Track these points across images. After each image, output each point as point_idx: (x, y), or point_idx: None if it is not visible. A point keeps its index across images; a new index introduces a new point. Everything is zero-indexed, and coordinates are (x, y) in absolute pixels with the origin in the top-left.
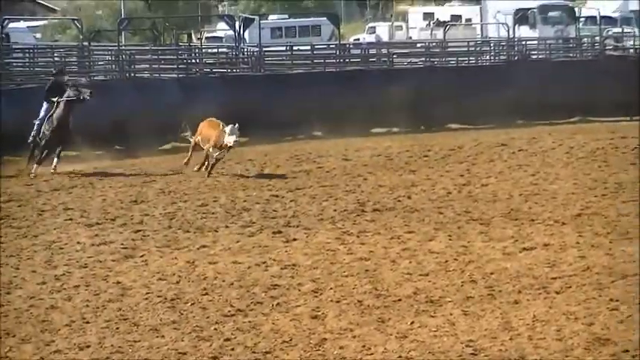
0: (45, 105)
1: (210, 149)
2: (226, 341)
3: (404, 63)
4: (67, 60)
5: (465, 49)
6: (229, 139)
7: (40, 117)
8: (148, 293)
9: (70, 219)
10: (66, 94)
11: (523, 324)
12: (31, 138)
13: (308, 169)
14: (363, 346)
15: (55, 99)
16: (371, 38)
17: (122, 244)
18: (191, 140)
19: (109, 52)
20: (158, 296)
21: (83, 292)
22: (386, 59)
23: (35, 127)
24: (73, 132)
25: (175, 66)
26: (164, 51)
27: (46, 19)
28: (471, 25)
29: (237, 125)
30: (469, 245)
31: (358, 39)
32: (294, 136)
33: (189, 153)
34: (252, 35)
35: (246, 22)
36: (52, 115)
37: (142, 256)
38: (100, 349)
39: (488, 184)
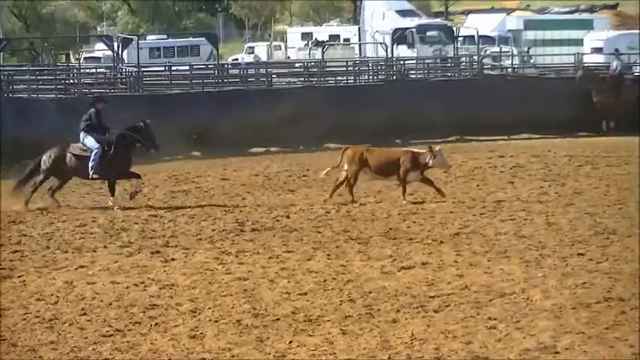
0: (90, 137)
1: None
2: None
3: (283, 83)
4: None
5: (344, 68)
6: None
7: (96, 149)
8: (26, 314)
9: None
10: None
11: (401, 343)
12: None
13: (187, 188)
14: None
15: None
16: (249, 58)
17: (0, 265)
18: None
19: None
20: (36, 317)
21: None
22: (265, 79)
23: (94, 161)
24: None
25: (54, 86)
26: (42, 71)
27: None
28: (350, 45)
29: None
30: (347, 264)
31: (237, 59)
32: (172, 156)
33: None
34: (131, 55)
35: (125, 43)
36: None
37: (20, 277)
38: None
39: (367, 204)
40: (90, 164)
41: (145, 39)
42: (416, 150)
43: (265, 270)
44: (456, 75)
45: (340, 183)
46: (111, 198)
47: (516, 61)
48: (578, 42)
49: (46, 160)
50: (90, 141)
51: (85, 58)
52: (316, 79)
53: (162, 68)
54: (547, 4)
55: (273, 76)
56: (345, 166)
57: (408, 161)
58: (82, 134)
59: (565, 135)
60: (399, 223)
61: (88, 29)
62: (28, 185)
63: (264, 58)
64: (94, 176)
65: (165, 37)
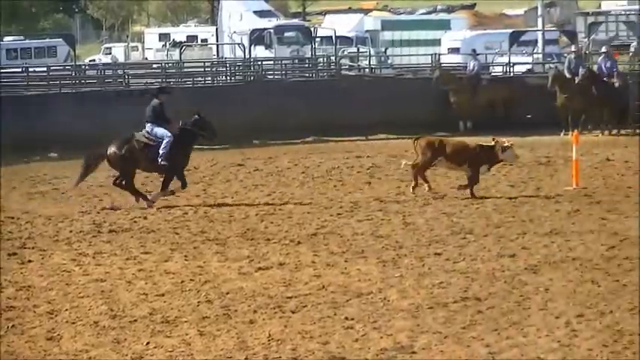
0: (158, 127)
1: None
2: None
3: (140, 84)
4: None
5: (201, 69)
6: None
7: (167, 139)
8: None
9: None
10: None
11: (259, 343)
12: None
13: (44, 190)
14: None
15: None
16: (107, 59)
17: None
18: None
19: None
20: None
21: None
22: (122, 80)
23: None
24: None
25: None
26: None
27: None
28: (207, 45)
29: None
30: (205, 265)
31: (94, 60)
32: (29, 157)
33: None
34: None
35: None
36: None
37: None
38: None
39: (225, 205)
40: (161, 151)
41: (2, 40)
42: (484, 143)
43: (123, 271)
44: (314, 75)
45: (419, 172)
46: (161, 192)
47: (374, 61)
48: (436, 42)
49: (112, 152)
50: (160, 130)
51: None
52: (174, 80)
53: (20, 69)
54: (406, 5)
55: (131, 77)
56: (419, 156)
57: (483, 154)
58: (148, 125)
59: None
60: (257, 224)
61: None
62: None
63: (121, 59)
64: (164, 163)
65: (22, 38)
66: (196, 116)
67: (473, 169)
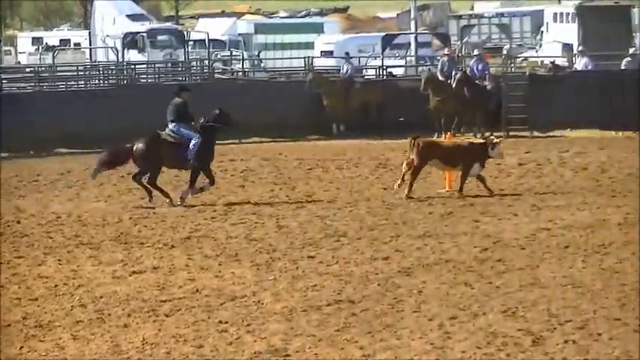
0: (184, 125)
1: None
2: None
3: (13, 88)
4: None
5: (75, 73)
6: None
7: (195, 138)
8: None
9: None
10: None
11: (132, 347)
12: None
13: None
14: None
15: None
16: None
17: None
18: None
19: None
20: None
21: None
22: None
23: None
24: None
25: None
26: None
27: None
28: (80, 49)
29: None
30: (79, 269)
31: None
32: None
33: None
34: None
35: None
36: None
37: None
38: None
39: (98, 208)
40: (190, 151)
41: None
42: (477, 141)
43: None
44: (187, 79)
45: (413, 173)
46: (190, 189)
47: (247, 65)
48: (309, 45)
49: (139, 149)
50: (186, 129)
51: None
52: (47, 84)
53: None
54: (277, 7)
55: (4, 81)
56: (412, 157)
57: (476, 152)
58: (172, 124)
59: (295, 138)
60: (130, 228)
61: None
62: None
63: None
64: (195, 163)
65: None
66: (217, 111)
67: (465, 168)
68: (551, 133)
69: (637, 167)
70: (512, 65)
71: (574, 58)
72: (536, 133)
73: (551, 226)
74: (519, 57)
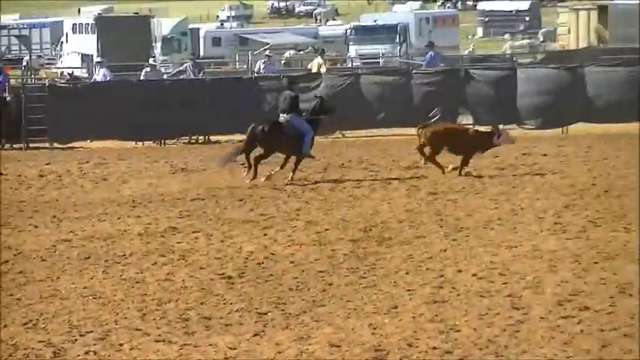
0: (298, 118)
1: None
2: None
3: None
4: None
5: None
6: None
7: (309, 131)
8: None
9: None
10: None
11: None
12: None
13: None
14: None
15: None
16: None
17: None
18: None
19: None
20: None
21: None
22: None
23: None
24: None
25: None
26: None
27: None
28: None
29: None
30: None
31: None
32: None
33: None
34: None
35: None
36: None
37: None
38: None
39: None
40: (305, 144)
41: None
42: (482, 129)
43: None
44: None
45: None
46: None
47: None
48: None
49: (263, 129)
50: (299, 121)
51: None
52: None
53: None
54: None
55: None
56: (426, 145)
57: (480, 139)
58: (283, 115)
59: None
60: None
61: None
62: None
63: None
64: (312, 155)
65: None
66: (318, 100)
67: (468, 154)
68: (71, 145)
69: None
70: (33, 76)
71: (94, 69)
72: (56, 145)
73: (72, 237)
74: (42, 68)
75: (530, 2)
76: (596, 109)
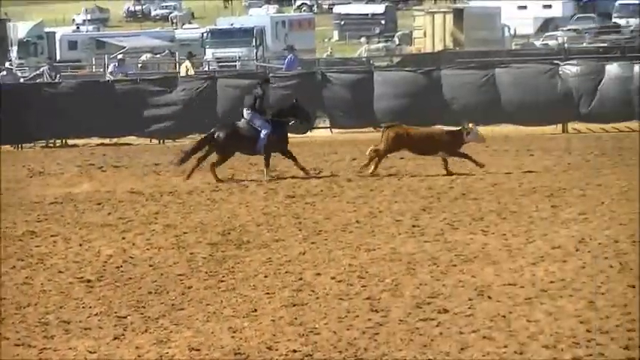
0: (258, 116)
1: None
2: None
3: None
4: None
5: None
6: None
7: (266, 129)
8: None
9: None
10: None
11: None
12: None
13: None
14: None
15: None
16: None
17: None
18: None
19: None
20: None
21: None
22: None
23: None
24: None
25: None
26: None
27: None
28: None
29: None
30: None
31: None
32: None
33: None
34: None
35: None
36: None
37: None
38: None
39: None
40: (260, 143)
41: None
42: (451, 128)
43: None
44: None
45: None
46: (265, 170)
47: None
48: None
49: (218, 137)
50: (259, 120)
51: None
52: None
53: None
54: None
55: None
56: (383, 145)
57: (449, 139)
58: (247, 113)
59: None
60: None
61: None
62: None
63: None
64: (264, 154)
65: None
66: (294, 102)
67: (453, 153)
68: None
69: None
70: None
71: None
72: None
73: None
74: None
75: (385, 5)
76: (453, 112)
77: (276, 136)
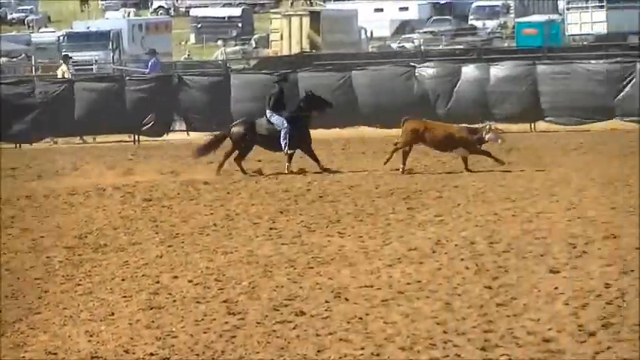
0: (276, 115)
1: None
2: None
3: None
4: None
5: None
6: None
7: (283, 127)
8: None
9: None
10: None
11: None
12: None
13: None
14: None
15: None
16: None
17: None
18: None
19: None
20: None
21: None
22: None
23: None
24: None
25: None
26: None
27: None
28: None
29: None
30: None
31: None
32: None
33: None
34: None
35: None
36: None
37: None
38: None
39: None
40: (282, 142)
41: None
42: (470, 126)
43: None
44: None
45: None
46: (287, 165)
47: None
48: None
49: (234, 133)
50: (278, 119)
51: None
52: None
53: None
54: None
55: None
56: (402, 138)
57: (468, 137)
58: (268, 111)
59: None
60: None
61: None
62: (211, 153)
63: None
64: (289, 151)
65: None
66: (307, 94)
67: (472, 151)
68: None
69: None
70: None
71: None
72: None
73: None
74: None
75: (242, 9)
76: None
77: (297, 132)
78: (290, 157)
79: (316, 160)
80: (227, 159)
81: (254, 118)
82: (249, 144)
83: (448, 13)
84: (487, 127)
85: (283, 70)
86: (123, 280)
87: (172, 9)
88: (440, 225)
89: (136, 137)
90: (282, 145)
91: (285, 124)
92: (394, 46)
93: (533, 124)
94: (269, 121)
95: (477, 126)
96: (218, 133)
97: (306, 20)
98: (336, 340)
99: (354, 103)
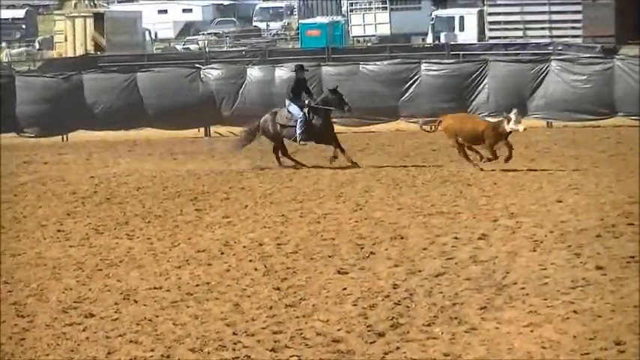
0: (294, 104)
1: None
2: None
3: None
4: None
5: None
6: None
7: (299, 117)
8: None
9: None
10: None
11: None
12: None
13: None
14: None
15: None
16: None
17: None
18: None
19: None
20: None
21: None
22: None
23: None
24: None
25: None
26: None
27: None
28: None
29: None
30: None
31: None
32: None
33: None
34: None
35: None
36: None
37: None
38: None
39: None
40: (297, 131)
41: None
42: (495, 120)
43: None
44: None
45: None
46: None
47: None
48: None
49: (260, 124)
50: (294, 108)
51: None
52: None
53: None
54: None
55: None
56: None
57: (493, 132)
58: (287, 101)
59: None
60: None
61: None
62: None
63: None
64: (302, 143)
65: None
66: (329, 91)
67: (491, 145)
68: None
69: None
70: None
71: None
72: None
73: None
74: None
75: (25, 10)
76: (96, 116)
77: (317, 122)
78: (341, 150)
79: (342, 150)
80: (277, 152)
81: (276, 110)
82: (274, 135)
83: (232, 14)
84: (506, 118)
85: (69, 73)
86: None
87: None
88: (228, 226)
89: None
90: (297, 135)
91: (301, 114)
92: (179, 47)
93: None
94: (288, 111)
95: (498, 119)
96: (250, 125)
97: (90, 22)
98: (126, 341)
99: (139, 105)
